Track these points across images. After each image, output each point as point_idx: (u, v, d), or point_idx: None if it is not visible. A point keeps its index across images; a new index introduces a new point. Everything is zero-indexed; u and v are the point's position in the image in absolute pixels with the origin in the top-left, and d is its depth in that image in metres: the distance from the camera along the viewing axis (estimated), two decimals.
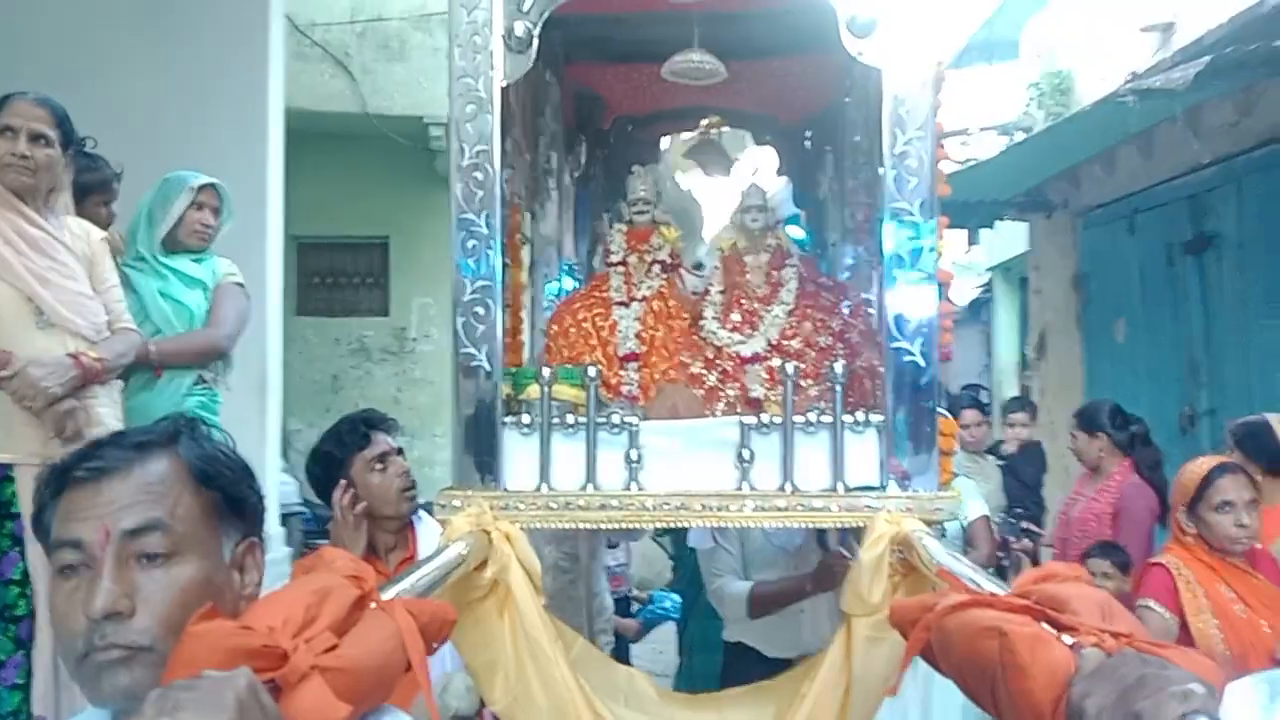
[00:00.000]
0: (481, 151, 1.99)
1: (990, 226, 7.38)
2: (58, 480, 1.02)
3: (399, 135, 8.20)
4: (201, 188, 3.13)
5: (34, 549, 2.38)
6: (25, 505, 2.38)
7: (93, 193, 2.99)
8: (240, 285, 3.22)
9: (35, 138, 2.50)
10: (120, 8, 5.19)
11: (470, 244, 1.99)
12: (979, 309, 12.27)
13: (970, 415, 4.84)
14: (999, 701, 1.01)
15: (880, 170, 2.34)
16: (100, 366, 2.51)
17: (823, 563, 2.87)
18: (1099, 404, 4.09)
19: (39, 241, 2.52)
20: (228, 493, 1.06)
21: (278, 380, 5.73)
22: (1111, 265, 6.33)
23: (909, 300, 1.95)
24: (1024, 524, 4.57)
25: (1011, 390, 10.17)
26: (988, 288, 11.74)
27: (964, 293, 12.59)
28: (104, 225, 3.00)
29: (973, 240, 9.55)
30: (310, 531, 6.77)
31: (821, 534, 3.00)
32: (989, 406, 6.45)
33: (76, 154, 2.74)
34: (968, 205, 6.70)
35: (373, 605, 1.16)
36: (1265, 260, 4.80)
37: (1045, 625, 1.03)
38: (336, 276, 8.47)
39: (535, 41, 2.00)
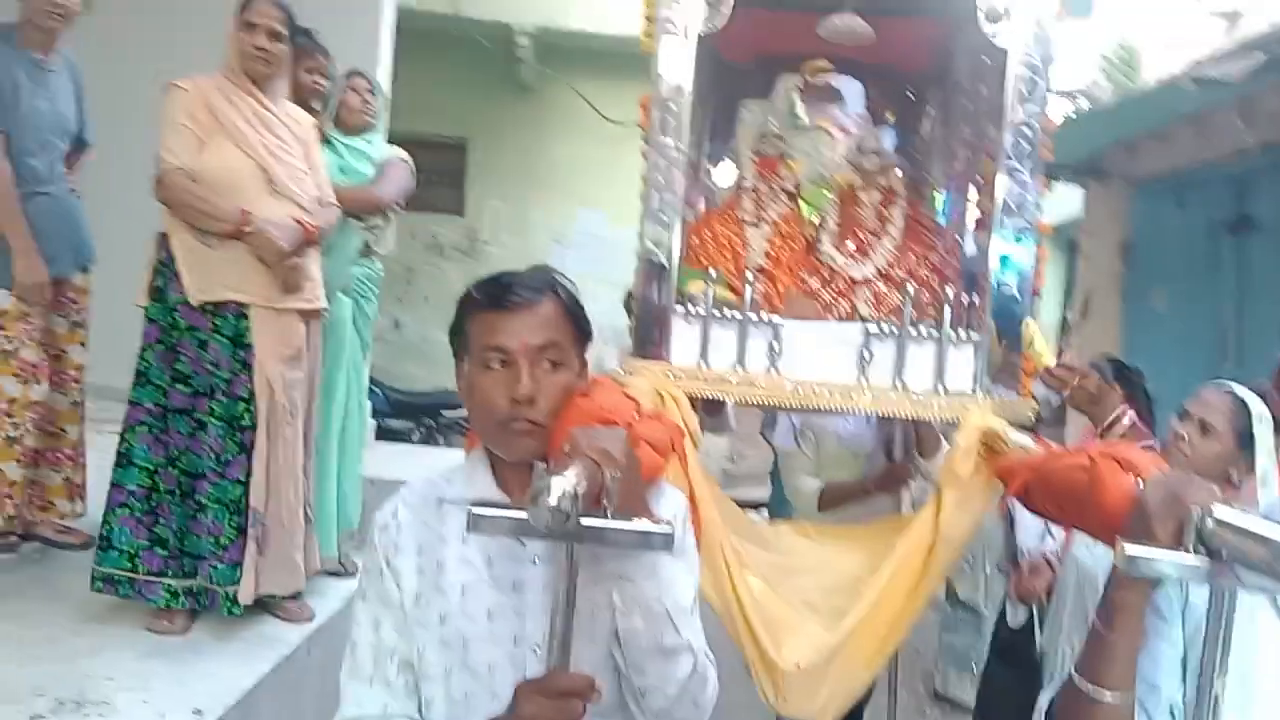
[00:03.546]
0: (676, 88, 2.45)
1: (1049, 188, 7.72)
2: (480, 305, 1.48)
3: (486, 40, 8.54)
4: (349, 74, 3.65)
5: (260, 375, 2.90)
6: (255, 338, 2.88)
7: (305, 59, 3.41)
8: (405, 162, 3.76)
9: (272, 34, 2.96)
10: None
11: (661, 163, 2.46)
12: None
13: None
14: (1085, 515, 1.51)
15: (986, 128, 2.79)
16: (318, 233, 3.00)
17: (887, 469, 3.36)
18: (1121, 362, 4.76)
19: (270, 122, 2.98)
20: (581, 327, 1.54)
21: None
22: (1157, 236, 6.72)
23: (1013, 244, 2.41)
24: None
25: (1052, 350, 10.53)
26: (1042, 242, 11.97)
27: None
28: (309, 91, 3.45)
29: None
30: (377, 410, 7.29)
31: (889, 444, 3.51)
32: None
33: (299, 33, 3.20)
34: None
35: (636, 415, 1.66)
36: None
37: None
38: (416, 173, 8.85)
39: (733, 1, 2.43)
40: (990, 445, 2.25)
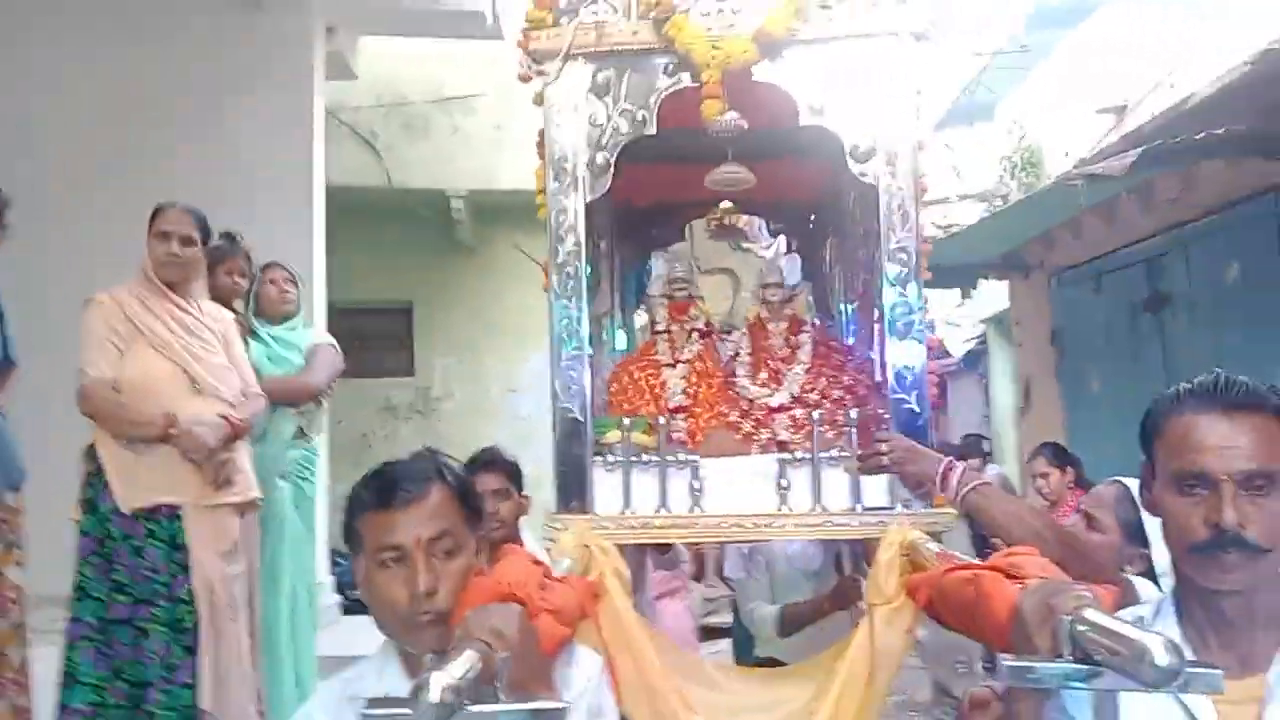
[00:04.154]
0: (572, 252, 2.57)
1: (974, 286, 8.02)
2: (368, 505, 1.53)
3: (421, 207, 8.82)
4: (265, 267, 3.79)
5: (199, 575, 2.90)
6: (191, 538, 2.91)
7: (224, 260, 3.59)
8: (333, 346, 3.85)
9: (185, 240, 3.08)
10: (179, 97, 5.81)
11: (564, 322, 2.57)
12: (975, 360, 12.77)
13: None
14: (977, 624, 1.56)
15: (874, 251, 2.93)
16: (245, 426, 3.06)
17: (839, 585, 3.39)
18: (1061, 446, 4.86)
19: (189, 324, 3.08)
20: (471, 506, 1.60)
21: (325, 437, 6.27)
22: (1082, 321, 6.96)
23: (904, 361, 2.52)
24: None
25: (1010, 438, 10.65)
26: (982, 339, 12.25)
27: (959, 345, 13.15)
28: (229, 291, 3.59)
29: (966, 295, 10.09)
30: (343, 584, 7.15)
31: (838, 560, 3.54)
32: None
33: (223, 237, 3.33)
34: (952, 268, 7.36)
35: (547, 579, 1.70)
36: (1211, 317, 5.42)
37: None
38: (365, 339, 9.02)
39: (611, 168, 2.58)
40: (912, 558, 2.30)
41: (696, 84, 2.57)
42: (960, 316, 12.83)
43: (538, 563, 1.71)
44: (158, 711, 2.82)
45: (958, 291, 9.63)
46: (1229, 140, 4.52)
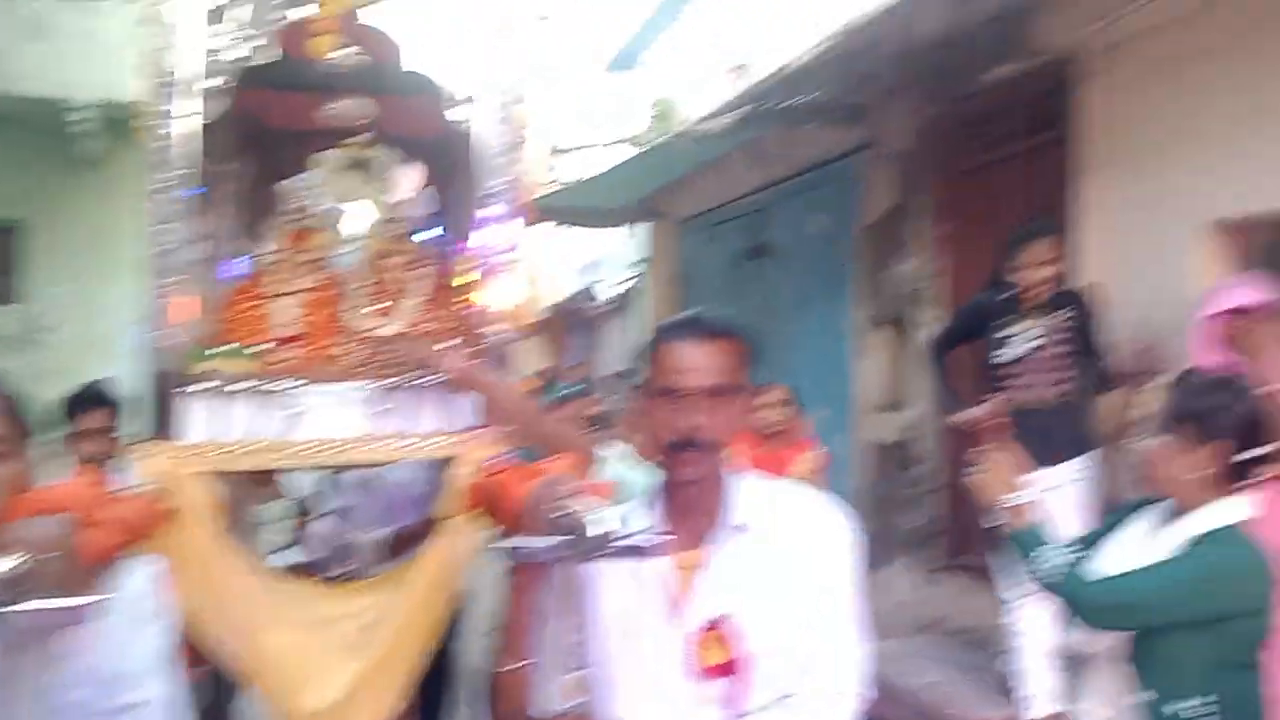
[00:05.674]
0: (176, 178, 2.56)
1: (617, 229, 8.55)
2: None
3: (34, 117, 7.96)
4: None
5: None
6: None
7: None
8: None
9: None
10: None
11: (163, 249, 2.56)
12: (630, 300, 13.40)
13: None
14: (504, 515, 1.84)
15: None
16: None
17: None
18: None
19: None
20: (19, 424, 1.62)
21: None
22: (701, 266, 7.69)
23: (498, 296, 2.77)
24: None
25: None
26: (641, 280, 12.89)
27: (613, 287, 13.78)
28: None
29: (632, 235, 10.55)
30: None
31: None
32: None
33: None
34: (596, 211, 7.81)
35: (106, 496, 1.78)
36: (799, 265, 6.23)
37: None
38: None
39: (228, 95, 2.59)
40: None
41: (312, 17, 2.62)
42: (617, 259, 13.46)
43: (99, 482, 1.78)
44: None
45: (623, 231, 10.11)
46: (815, 107, 5.19)
